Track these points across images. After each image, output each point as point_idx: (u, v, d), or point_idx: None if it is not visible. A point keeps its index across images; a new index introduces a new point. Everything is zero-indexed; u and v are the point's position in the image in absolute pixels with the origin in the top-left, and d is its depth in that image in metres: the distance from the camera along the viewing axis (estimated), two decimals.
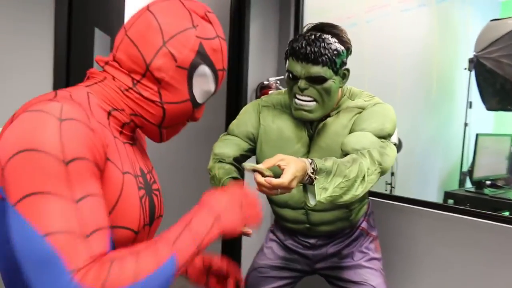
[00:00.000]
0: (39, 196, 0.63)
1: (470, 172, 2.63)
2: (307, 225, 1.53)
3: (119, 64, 0.81)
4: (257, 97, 2.52)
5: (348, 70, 1.39)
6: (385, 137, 1.33)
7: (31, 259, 0.62)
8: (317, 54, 1.28)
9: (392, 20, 2.16)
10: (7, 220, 0.66)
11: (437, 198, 2.73)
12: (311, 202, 1.17)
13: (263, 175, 1.09)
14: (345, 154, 1.29)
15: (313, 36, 1.31)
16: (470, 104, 2.68)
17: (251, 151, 1.55)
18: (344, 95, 1.46)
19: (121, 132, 0.83)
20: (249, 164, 1.13)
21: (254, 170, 1.09)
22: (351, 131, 1.38)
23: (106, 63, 0.82)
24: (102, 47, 2.28)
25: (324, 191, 1.14)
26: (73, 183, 0.65)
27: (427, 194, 2.39)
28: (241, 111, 1.60)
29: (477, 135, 2.35)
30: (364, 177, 1.20)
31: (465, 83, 2.54)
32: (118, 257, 0.67)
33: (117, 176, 0.76)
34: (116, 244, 0.76)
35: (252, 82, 2.53)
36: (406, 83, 2.19)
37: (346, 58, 1.37)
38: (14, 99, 1.76)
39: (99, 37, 2.25)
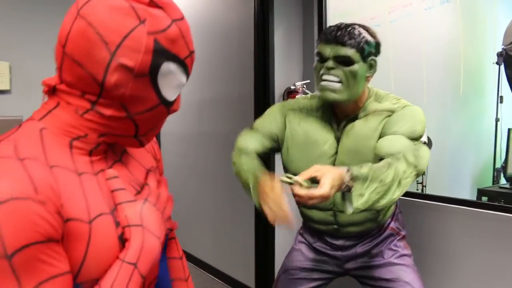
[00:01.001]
0: None
1: (504, 168, 2.59)
2: (335, 226, 1.55)
3: (69, 87, 0.68)
4: None
5: (375, 61, 1.42)
6: (416, 139, 1.35)
7: None
8: (346, 37, 1.33)
9: (415, 19, 2.15)
10: None
11: (470, 195, 2.69)
12: (349, 210, 1.18)
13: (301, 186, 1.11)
14: (379, 158, 1.30)
15: (344, 24, 1.37)
16: (501, 99, 2.64)
17: (272, 150, 1.58)
18: (370, 97, 1.48)
19: (91, 161, 0.72)
20: (286, 176, 1.15)
21: (291, 183, 1.11)
22: (381, 135, 1.39)
23: (56, 88, 0.70)
24: None
25: (360, 197, 1.16)
26: (20, 277, 0.57)
27: (459, 192, 2.35)
28: (267, 111, 1.63)
29: (509, 130, 2.33)
30: (400, 181, 1.21)
31: (494, 78, 2.50)
32: None
33: (82, 230, 0.65)
34: None
35: (278, 87, 2.56)
36: (434, 81, 2.18)
37: (375, 51, 1.40)
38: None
39: None
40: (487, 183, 2.70)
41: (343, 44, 1.34)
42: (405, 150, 1.27)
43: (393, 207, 1.61)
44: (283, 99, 2.55)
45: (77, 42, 0.65)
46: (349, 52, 1.34)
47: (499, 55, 2.43)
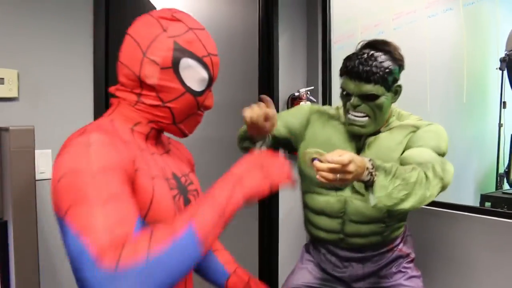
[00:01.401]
0: (76, 206, 0.73)
1: (507, 173, 2.59)
2: (341, 235, 1.54)
3: (123, 86, 0.94)
4: (288, 108, 2.56)
5: (400, 86, 1.43)
6: (441, 155, 1.36)
7: (73, 254, 0.71)
8: (369, 73, 1.33)
9: (419, 26, 2.16)
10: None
11: (473, 201, 2.69)
12: (372, 202, 1.18)
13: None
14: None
15: (365, 55, 1.36)
16: (504, 104, 2.65)
17: (284, 139, 1.60)
18: (393, 116, 1.49)
19: (147, 145, 0.95)
20: (312, 150, 1.16)
21: (313, 159, 1.12)
22: (406, 148, 1.41)
23: (116, 89, 0.96)
24: None
25: (384, 188, 1.15)
26: (100, 189, 0.74)
27: (463, 198, 2.35)
28: (295, 108, 1.68)
29: None
30: (424, 184, 1.19)
31: (497, 83, 2.51)
32: (133, 240, 0.71)
33: (147, 182, 0.86)
34: None
35: (283, 94, 2.58)
36: (438, 88, 2.19)
37: (399, 74, 1.41)
38: (61, 101, 1.90)
39: None
40: (491, 188, 2.70)
41: (367, 81, 1.35)
42: (433, 161, 1.28)
43: (402, 228, 1.60)
44: (287, 106, 2.56)
45: (124, 50, 0.93)
46: (373, 88, 1.35)
47: (502, 60, 2.44)
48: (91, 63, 1.97)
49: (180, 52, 0.90)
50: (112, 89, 0.97)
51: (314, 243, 1.68)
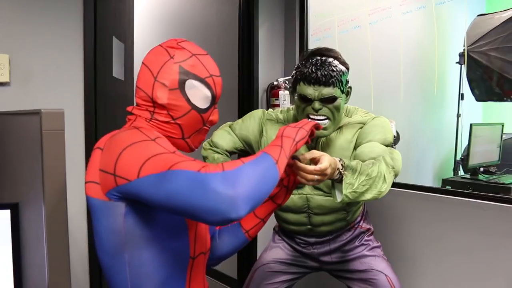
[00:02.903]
0: (150, 159, 0.86)
1: (463, 160, 2.79)
2: (309, 226, 1.67)
3: (139, 106, 1.07)
4: (268, 97, 2.65)
5: (350, 87, 1.54)
6: (388, 145, 1.48)
7: (172, 188, 0.82)
8: (327, 76, 1.43)
9: (394, 22, 2.27)
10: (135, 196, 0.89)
11: (432, 184, 2.88)
12: (338, 199, 1.28)
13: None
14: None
15: (319, 62, 1.45)
16: (462, 96, 2.84)
17: (242, 151, 1.74)
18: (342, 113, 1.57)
19: None
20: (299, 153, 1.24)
21: (294, 158, 1.19)
22: (356, 145, 1.52)
23: (133, 108, 1.09)
24: (118, 53, 2.39)
25: (350, 186, 1.25)
26: (163, 146, 0.90)
27: (423, 183, 2.53)
28: (248, 115, 1.75)
29: (471, 125, 2.47)
30: (383, 177, 1.31)
31: (457, 77, 2.69)
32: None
33: None
34: (186, 220, 1.02)
35: (262, 83, 2.65)
36: (406, 80, 2.33)
37: (347, 76, 1.52)
38: (52, 86, 1.89)
39: (116, 45, 2.35)
40: (448, 174, 2.90)
41: (326, 84, 1.43)
42: (383, 153, 1.39)
43: (361, 209, 1.74)
44: (267, 95, 2.64)
45: (140, 76, 1.08)
46: (332, 91, 1.44)
47: (461, 55, 2.62)
48: (81, 46, 1.96)
49: (185, 74, 1.04)
50: (129, 108, 1.10)
51: (281, 227, 1.80)
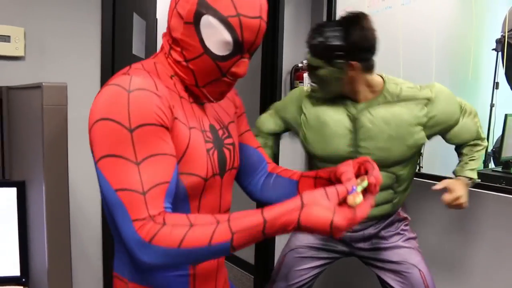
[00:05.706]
0: (112, 158, 0.76)
1: (494, 152, 2.67)
2: None
3: (165, 35, 0.93)
4: (292, 79, 2.56)
5: (345, 64, 1.44)
6: (466, 110, 1.61)
7: (110, 204, 0.76)
8: (316, 47, 1.46)
9: (425, 2, 2.18)
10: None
11: None
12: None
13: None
14: (464, 142, 1.66)
15: (320, 31, 1.46)
16: (497, 85, 2.70)
17: (287, 130, 1.75)
18: (387, 82, 1.54)
19: (187, 91, 0.93)
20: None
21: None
22: (433, 123, 1.53)
23: (164, 34, 0.94)
24: (139, 30, 2.33)
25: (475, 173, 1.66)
26: (137, 147, 0.76)
27: (451, 175, 2.42)
28: (288, 96, 1.75)
29: (505, 115, 2.36)
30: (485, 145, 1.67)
31: (492, 64, 2.55)
32: (173, 222, 0.74)
33: (184, 130, 0.86)
34: (187, 189, 0.88)
35: (286, 65, 2.57)
36: (438, 65, 2.22)
37: (346, 53, 1.43)
38: (68, 59, 1.85)
39: (137, 21, 2.30)
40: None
41: (312, 55, 1.49)
42: (476, 129, 1.63)
43: (406, 193, 1.67)
44: (290, 77, 2.55)
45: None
46: (315, 62, 1.49)
47: (498, 41, 2.48)
48: (98, 21, 1.91)
49: (203, 7, 0.83)
50: (164, 33, 0.94)
51: None
